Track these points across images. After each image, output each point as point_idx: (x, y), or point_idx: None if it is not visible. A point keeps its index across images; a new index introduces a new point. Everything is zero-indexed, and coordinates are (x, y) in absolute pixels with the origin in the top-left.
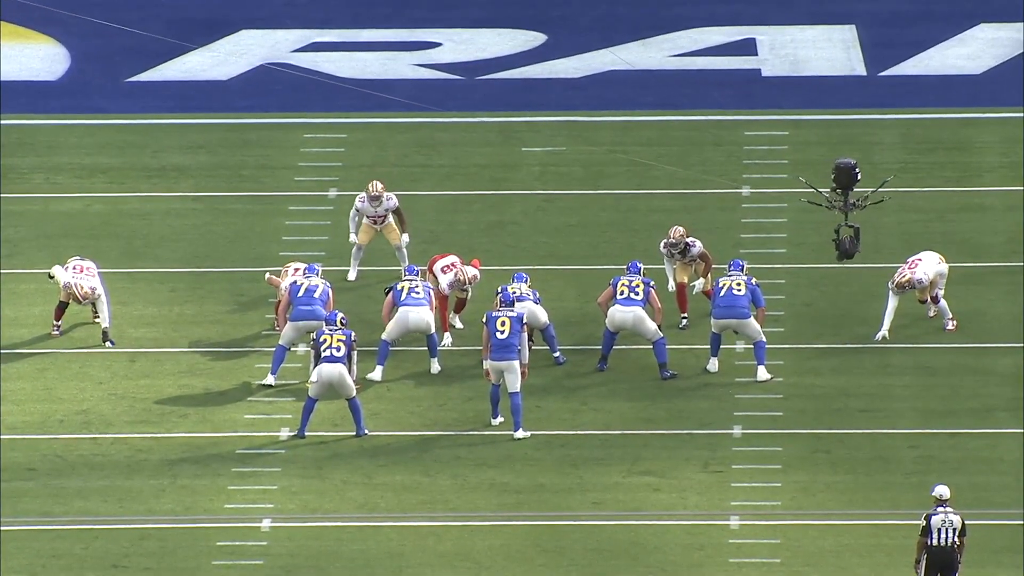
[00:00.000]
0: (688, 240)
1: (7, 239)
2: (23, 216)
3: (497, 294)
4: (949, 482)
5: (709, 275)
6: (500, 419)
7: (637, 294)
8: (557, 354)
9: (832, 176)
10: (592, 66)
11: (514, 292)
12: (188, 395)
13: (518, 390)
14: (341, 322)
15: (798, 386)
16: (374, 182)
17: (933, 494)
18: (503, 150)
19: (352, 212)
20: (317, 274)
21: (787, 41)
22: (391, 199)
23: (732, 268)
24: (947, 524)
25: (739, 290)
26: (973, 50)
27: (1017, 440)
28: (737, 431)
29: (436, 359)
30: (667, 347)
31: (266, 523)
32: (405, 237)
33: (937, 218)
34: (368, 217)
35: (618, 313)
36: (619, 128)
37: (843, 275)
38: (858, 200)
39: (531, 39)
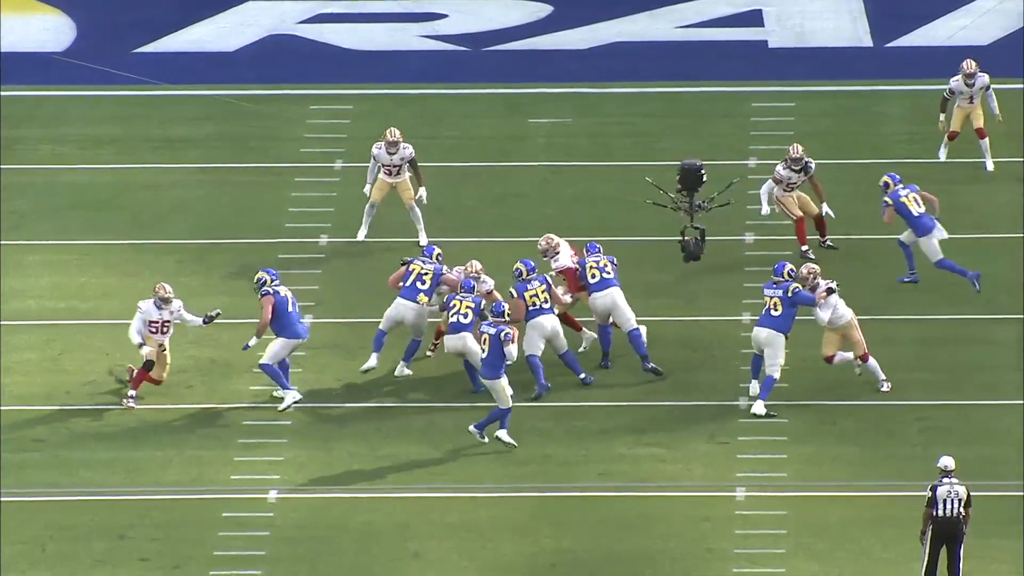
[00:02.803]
0: (807, 158)
1: (13, 211)
2: (29, 188)
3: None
4: (955, 454)
5: (824, 201)
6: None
7: (608, 273)
8: (583, 376)
9: (677, 178)
10: (598, 37)
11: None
12: (194, 366)
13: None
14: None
15: (804, 358)
16: (391, 129)
17: (938, 465)
18: (509, 122)
19: (371, 163)
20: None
21: (794, 12)
22: (407, 148)
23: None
24: (952, 495)
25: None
26: (980, 21)
27: (1021, 412)
28: (743, 403)
29: (406, 364)
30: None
31: (272, 494)
32: (422, 191)
33: (943, 189)
34: (384, 168)
35: (599, 300)
36: (625, 100)
37: (850, 246)
38: (704, 202)
39: (537, 10)
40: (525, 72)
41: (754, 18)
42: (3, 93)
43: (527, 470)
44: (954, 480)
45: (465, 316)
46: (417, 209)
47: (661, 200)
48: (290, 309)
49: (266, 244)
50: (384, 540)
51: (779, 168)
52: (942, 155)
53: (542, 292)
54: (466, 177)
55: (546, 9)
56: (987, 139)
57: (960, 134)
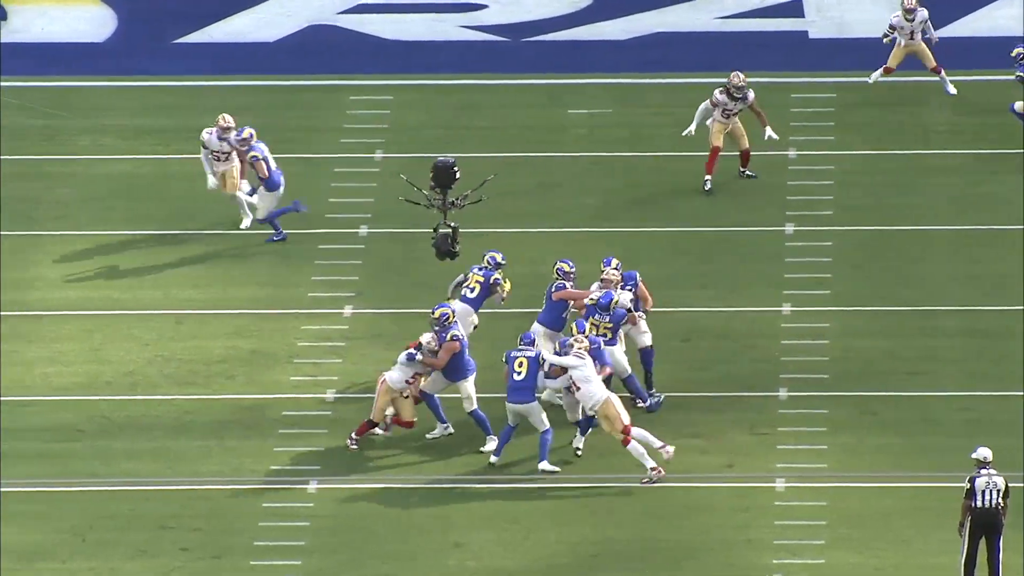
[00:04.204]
0: (747, 88)
1: (55, 201)
2: (70, 178)
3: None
4: (995, 444)
5: (768, 125)
6: (495, 458)
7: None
8: (647, 403)
9: (431, 175)
10: (638, 28)
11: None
12: (235, 357)
13: (547, 427)
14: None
15: (844, 348)
16: (224, 115)
17: (975, 456)
18: (549, 112)
19: (202, 151)
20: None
21: (834, 3)
22: (241, 133)
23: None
24: (991, 486)
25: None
26: (1022, 11)
27: None
28: (783, 394)
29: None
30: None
31: (312, 485)
32: (244, 184)
33: (983, 180)
34: (213, 153)
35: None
36: (665, 90)
37: (890, 238)
38: (457, 199)
39: (577, 1)
40: (565, 63)
41: (794, 8)
42: (45, 84)
43: (569, 460)
44: (992, 471)
45: (472, 290)
46: (239, 196)
47: (415, 197)
48: (467, 354)
49: (306, 234)
50: (425, 530)
51: (716, 93)
52: (872, 77)
53: (603, 325)
54: (505, 167)
55: (585, 0)
56: (942, 71)
57: (894, 71)
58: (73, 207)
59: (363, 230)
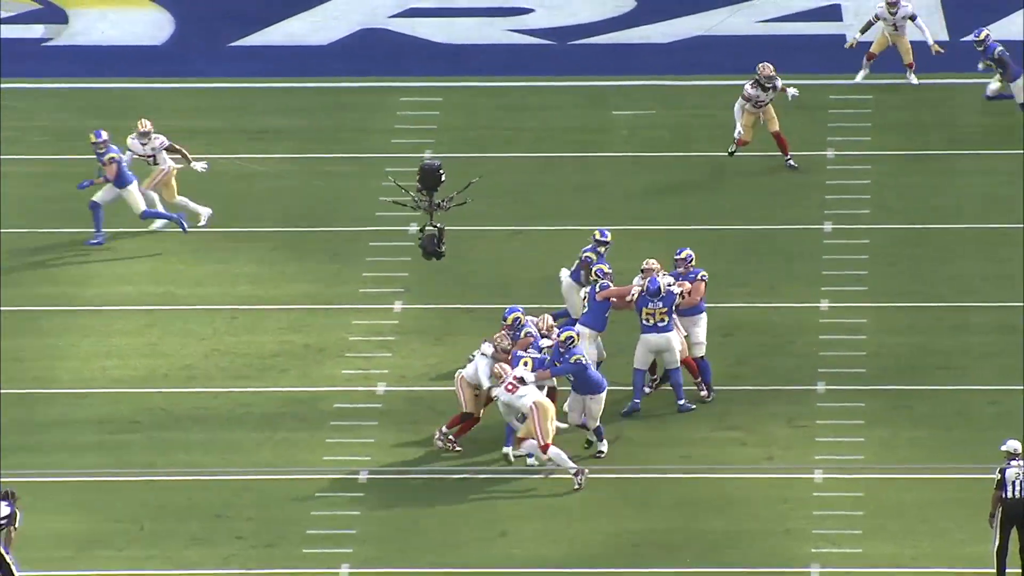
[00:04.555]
0: (776, 77)
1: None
2: None
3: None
4: None
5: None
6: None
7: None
8: (682, 402)
9: (417, 177)
10: (680, 31)
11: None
12: (288, 351)
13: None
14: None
15: (880, 344)
16: (143, 119)
17: (1005, 449)
18: (593, 113)
19: (127, 155)
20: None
21: (871, 7)
22: (159, 138)
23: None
24: (1021, 477)
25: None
26: None
27: None
28: (821, 387)
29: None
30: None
31: (363, 475)
32: (199, 166)
33: (1016, 179)
34: (141, 158)
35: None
36: (706, 92)
37: (925, 236)
38: (443, 201)
39: (621, 5)
40: (609, 65)
41: (833, 13)
42: (103, 85)
43: (611, 453)
44: (1022, 463)
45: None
46: (179, 199)
47: (402, 199)
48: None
49: (356, 232)
50: (472, 520)
51: (747, 87)
52: (859, 76)
53: (659, 311)
54: (550, 167)
55: (629, 4)
56: (913, 66)
57: (877, 56)
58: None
59: (412, 228)
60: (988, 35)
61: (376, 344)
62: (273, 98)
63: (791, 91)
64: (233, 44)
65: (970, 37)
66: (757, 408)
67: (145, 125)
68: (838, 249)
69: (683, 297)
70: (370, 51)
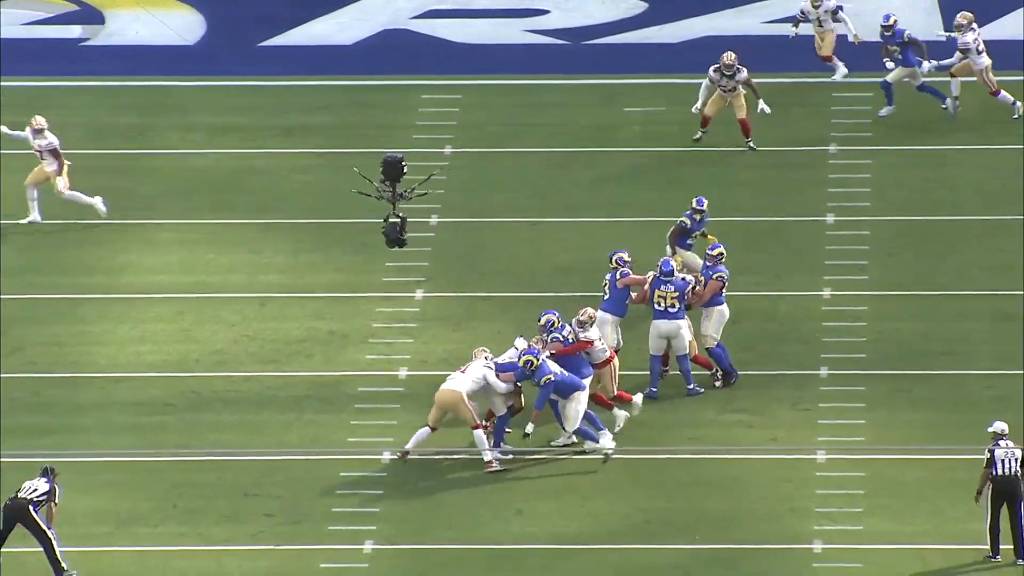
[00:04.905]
0: (738, 66)
1: (146, 193)
2: (160, 171)
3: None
4: (1021, 421)
5: (760, 99)
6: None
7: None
8: (691, 386)
9: (381, 169)
10: (689, 32)
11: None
12: (313, 337)
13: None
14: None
15: (881, 330)
16: (36, 116)
17: (992, 430)
18: (605, 111)
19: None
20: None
21: (871, 9)
22: (49, 140)
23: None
24: (1009, 456)
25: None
26: None
27: None
28: (824, 372)
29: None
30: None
31: (386, 455)
32: (61, 182)
33: (1014, 175)
34: (37, 153)
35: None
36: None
37: (924, 227)
38: (406, 191)
39: (633, 7)
40: (621, 64)
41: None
42: (137, 84)
43: (624, 435)
44: (1009, 442)
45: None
46: (66, 193)
47: (366, 189)
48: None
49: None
50: (489, 498)
51: (711, 70)
52: (837, 75)
53: (670, 295)
54: (564, 162)
55: (641, 6)
56: (834, 59)
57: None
58: (162, 198)
59: (433, 220)
60: (895, 20)
61: (398, 331)
62: (300, 96)
63: (763, 107)
64: (261, 44)
65: (879, 22)
66: (762, 392)
67: (39, 122)
68: (840, 240)
69: (694, 291)
70: (392, 51)
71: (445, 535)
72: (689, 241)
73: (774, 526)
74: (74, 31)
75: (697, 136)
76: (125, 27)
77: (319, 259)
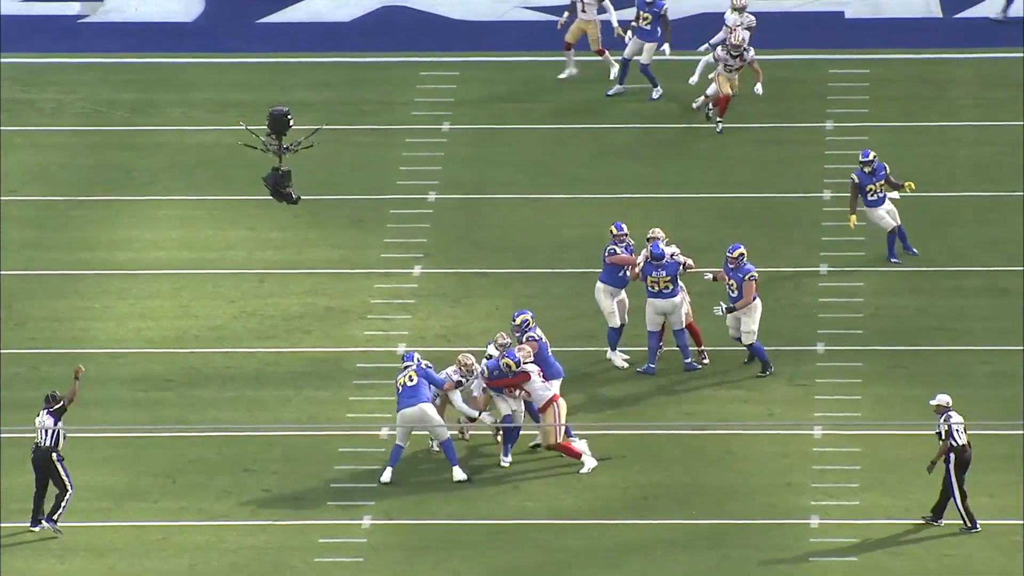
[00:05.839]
0: (746, 46)
1: (146, 168)
2: (161, 147)
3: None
4: (1017, 396)
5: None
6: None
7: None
8: (688, 360)
9: (267, 122)
10: (684, 9)
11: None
12: (312, 313)
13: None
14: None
15: (878, 306)
16: None
17: (938, 403)
18: (602, 87)
19: None
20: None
21: None
22: None
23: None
24: (960, 426)
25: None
26: None
27: None
28: (820, 348)
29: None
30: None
31: (384, 431)
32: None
33: (1008, 151)
34: None
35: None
36: (710, 67)
37: (920, 204)
38: (291, 145)
39: None
40: (619, 41)
41: None
42: (137, 60)
43: (621, 410)
44: (954, 414)
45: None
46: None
47: (252, 142)
48: (548, 353)
49: (378, 200)
50: (486, 474)
51: (718, 50)
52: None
53: (663, 280)
54: (564, 138)
55: None
56: (606, 53)
57: (573, 45)
58: (163, 174)
59: (431, 196)
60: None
61: (396, 307)
62: (299, 73)
63: (759, 88)
64: (261, 21)
65: None
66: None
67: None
68: (837, 216)
69: (685, 268)
70: (391, 28)
71: (443, 510)
72: (872, 198)
73: (771, 501)
74: (73, 7)
75: (719, 130)
76: (124, 4)
77: (317, 235)
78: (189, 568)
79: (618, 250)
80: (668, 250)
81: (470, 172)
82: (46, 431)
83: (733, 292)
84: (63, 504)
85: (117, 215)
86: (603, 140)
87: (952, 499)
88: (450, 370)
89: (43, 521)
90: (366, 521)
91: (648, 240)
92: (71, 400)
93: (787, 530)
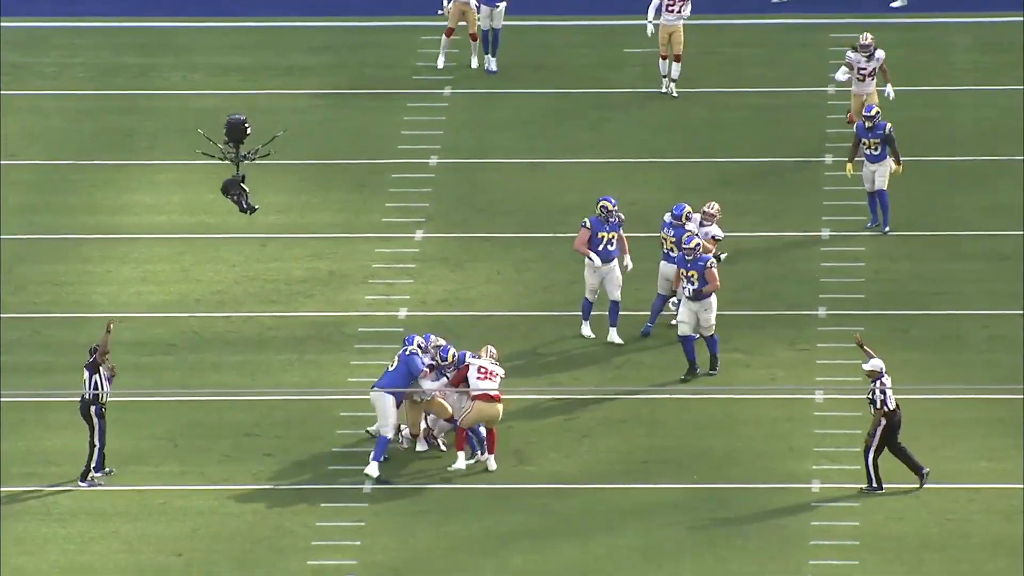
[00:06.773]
0: (874, 46)
1: (147, 132)
2: (162, 111)
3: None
4: (1015, 359)
5: (889, 83)
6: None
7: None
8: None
9: (225, 131)
10: None
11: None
12: (314, 277)
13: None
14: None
15: (878, 271)
16: None
17: (872, 368)
18: (606, 52)
19: None
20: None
21: None
22: None
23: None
24: (890, 390)
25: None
26: None
27: None
28: (822, 312)
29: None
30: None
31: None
32: None
33: (1009, 115)
34: None
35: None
36: (712, 31)
37: (919, 168)
38: (249, 152)
39: None
40: (622, 5)
41: None
42: (140, 24)
43: (622, 373)
44: (887, 378)
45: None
46: None
47: (210, 151)
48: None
49: (380, 164)
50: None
51: (848, 52)
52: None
53: (669, 239)
54: (566, 103)
55: None
56: (477, 41)
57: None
58: (164, 138)
59: (433, 160)
60: None
61: (398, 271)
62: (300, 37)
63: (889, 91)
64: None
65: None
66: (760, 331)
67: None
68: (838, 181)
69: (693, 251)
70: None
71: (444, 474)
72: (868, 152)
73: (772, 464)
74: None
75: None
76: None
77: (319, 199)
78: (191, 532)
79: (586, 222)
80: (700, 232)
81: (471, 137)
82: (85, 384)
83: (694, 283)
84: (91, 462)
85: (118, 179)
86: (604, 105)
87: (865, 457)
88: (426, 357)
89: (89, 476)
90: (367, 486)
91: (702, 214)
92: (104, 353)
93: (788, 495)
